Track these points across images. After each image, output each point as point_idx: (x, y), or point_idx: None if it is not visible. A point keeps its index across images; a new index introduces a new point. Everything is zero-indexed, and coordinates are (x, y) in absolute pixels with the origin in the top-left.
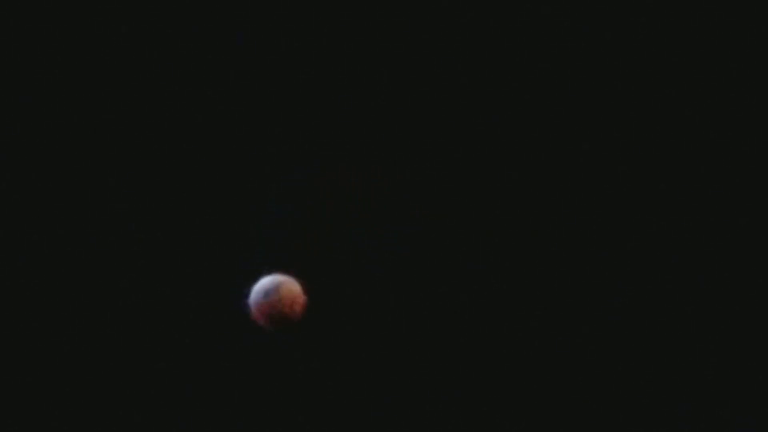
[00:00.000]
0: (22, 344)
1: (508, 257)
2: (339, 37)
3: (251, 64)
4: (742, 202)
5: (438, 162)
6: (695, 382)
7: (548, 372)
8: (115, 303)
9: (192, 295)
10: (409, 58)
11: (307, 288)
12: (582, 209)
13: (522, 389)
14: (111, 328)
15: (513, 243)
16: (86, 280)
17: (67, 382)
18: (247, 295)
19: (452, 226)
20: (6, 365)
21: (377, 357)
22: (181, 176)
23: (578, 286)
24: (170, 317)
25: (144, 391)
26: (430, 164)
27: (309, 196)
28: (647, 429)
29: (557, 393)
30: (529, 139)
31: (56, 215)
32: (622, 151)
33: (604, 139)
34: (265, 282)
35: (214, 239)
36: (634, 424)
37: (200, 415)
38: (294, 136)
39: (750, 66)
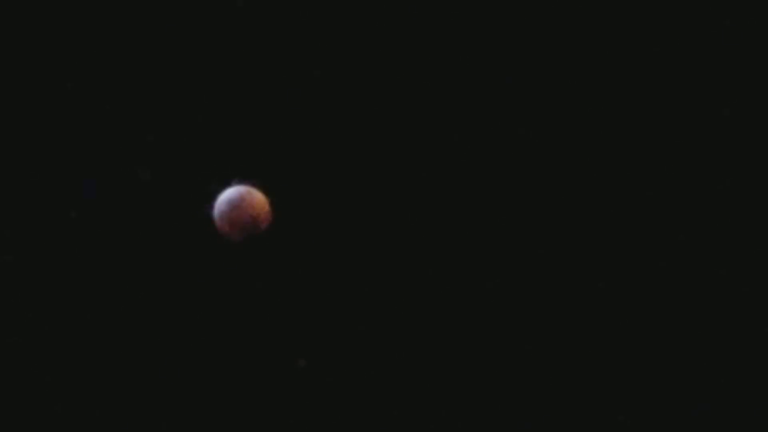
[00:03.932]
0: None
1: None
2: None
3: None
4: (742, 202)
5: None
6: (695, 382)
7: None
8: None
9: (159, 206)
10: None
11: (271, 198)
12: (579, 209)
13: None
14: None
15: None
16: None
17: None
18: (212, 205)
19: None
20: None
21: (339, 267)
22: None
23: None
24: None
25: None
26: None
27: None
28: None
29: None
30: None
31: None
32: (621, 151)
33: (603, 139)
34: (229, 192)
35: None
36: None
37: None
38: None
39: (750, 66)
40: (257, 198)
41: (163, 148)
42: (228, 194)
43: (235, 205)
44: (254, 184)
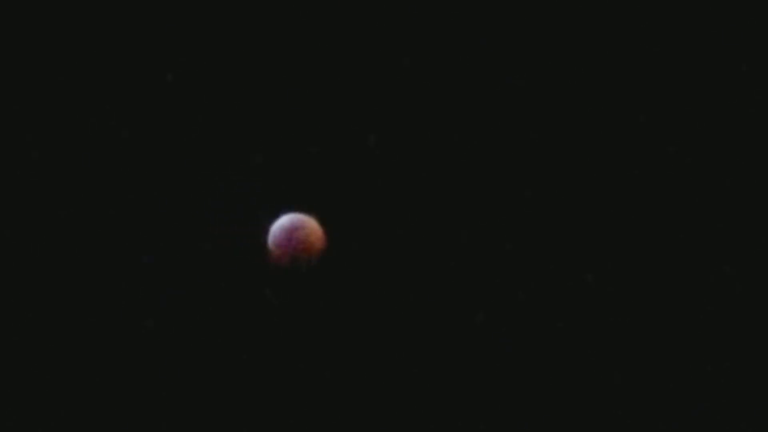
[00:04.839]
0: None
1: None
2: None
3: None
4: (742, 203)
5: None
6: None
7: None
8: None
9: (211, 234)
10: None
11: (326, 226)
12: (581, 209)
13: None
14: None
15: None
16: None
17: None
18: (266, 232)
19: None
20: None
21: (393, 297)
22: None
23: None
24: (191, 254)
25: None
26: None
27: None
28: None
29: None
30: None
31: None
32: (622, 151)
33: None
34: (284, 220)
35: (234, 179)
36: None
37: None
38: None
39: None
40: (311, 226)
41: (219, 176)
42: (282, 222)
43: (290, 233)
44: (309, 213)
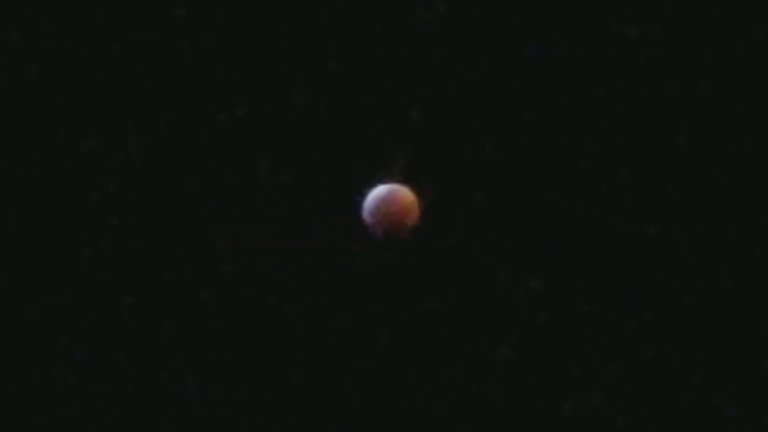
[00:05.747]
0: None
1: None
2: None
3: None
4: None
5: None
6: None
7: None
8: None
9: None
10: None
11: (420, 197)
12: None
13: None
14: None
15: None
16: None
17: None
18: (362, 203)
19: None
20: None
21: (487, 263)
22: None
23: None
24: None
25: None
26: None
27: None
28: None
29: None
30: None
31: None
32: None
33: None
34: (380, 190)
35: (331, 152)
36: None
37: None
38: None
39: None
40: (406, 196)
41: (318, 145)
42: (378, 192)
43: (384, 202)
44: (405, 183)
